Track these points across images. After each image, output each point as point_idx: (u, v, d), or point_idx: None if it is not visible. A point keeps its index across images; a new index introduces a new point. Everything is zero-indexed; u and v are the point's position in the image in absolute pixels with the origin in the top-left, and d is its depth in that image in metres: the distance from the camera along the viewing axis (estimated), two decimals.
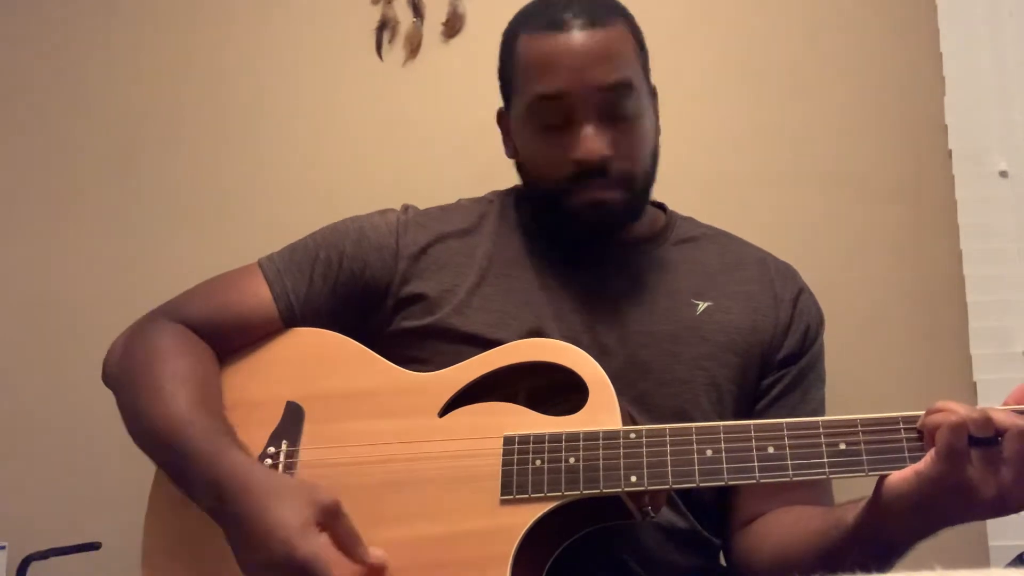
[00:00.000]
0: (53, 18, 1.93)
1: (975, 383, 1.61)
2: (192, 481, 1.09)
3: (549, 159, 1.23)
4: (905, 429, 0.99)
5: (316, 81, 1.86)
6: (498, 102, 1.35)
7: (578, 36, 1.22)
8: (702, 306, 1.27)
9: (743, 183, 1.73)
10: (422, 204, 1.37)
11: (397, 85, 1.83)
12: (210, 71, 1.89)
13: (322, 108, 1.85)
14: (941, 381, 1.63)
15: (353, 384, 1.20)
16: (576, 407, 1.10)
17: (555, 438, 1.07)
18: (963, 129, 1.68)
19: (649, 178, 1.28)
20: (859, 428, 1.00)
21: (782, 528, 1.18)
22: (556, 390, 1.13)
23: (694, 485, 1.02)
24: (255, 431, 1.16)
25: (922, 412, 0.98)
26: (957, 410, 0.94)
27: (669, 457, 1.03)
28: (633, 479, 1.03)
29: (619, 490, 1.04)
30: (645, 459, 1.04)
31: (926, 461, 0.95)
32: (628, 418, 1.11)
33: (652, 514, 1.09)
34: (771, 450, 1.01)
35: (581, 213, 1.23)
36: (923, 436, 0.98)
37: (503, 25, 1.32)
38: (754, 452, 1.01)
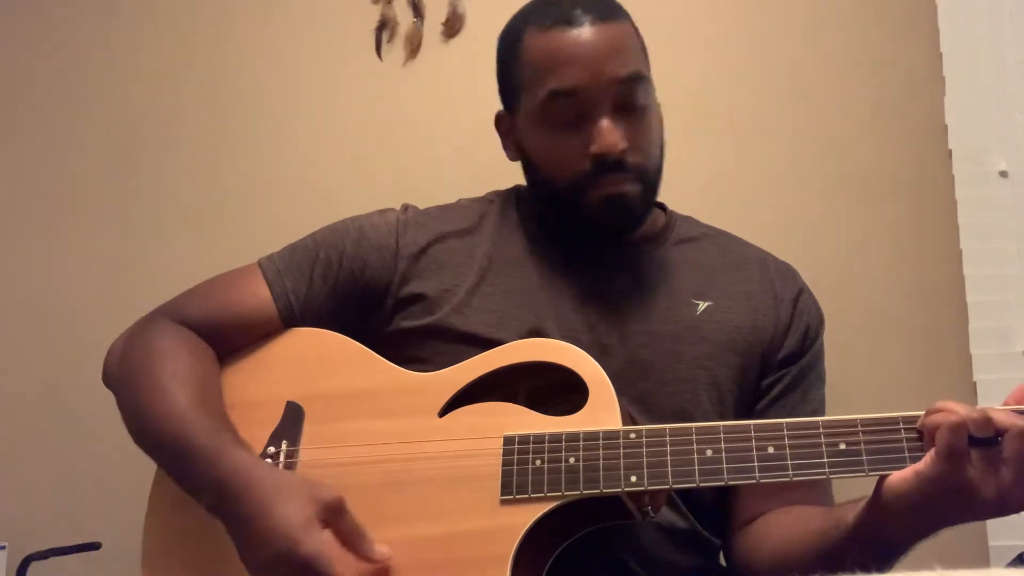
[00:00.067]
0: (53, 18, 1.93)
1: (975, 383, 1.61)
2: (194, 480, 1.09)
3: (564, 156, 1.23)
4: (905, 429, 0.99)
5: (316, 81, 1.86)
6: (499, 102, 1.35)
7: (590, 31, 1.22)
8: (702, 306, 1.27)
9: (743, 183, 1.73)
10: (422, 204, 1.37)
11: (397, 85, 1.83)
12: (210, 71, 1.89)
13: (322, 108, 1.85)
14: (941, 381, 1.63)
15: (353, 384, 1.20)
16: (576, 407, 1.10)
17: (555, 438, 1.07)
18: (963, 129, 1.68)
19: (660, 171, 1.28)
20: (859, 428, 1.00)
21: (782, 528, 1.18)
22: (556, 390, 1.13)
23: (694, 485, 1.02)
24: (255, 431, 1.16)
25: (922, 412, 0.98)
26: (957, 410, 0.94)
27: (669, 457, 1.03)
28: (633, 479, 1.03)
29: (619, 490, 1.04)
30: (645, 459, 1.04)
31: (926, 461, 0.95)
32: (628, 418, 1.11)
33: (652, 514, 1.09)
34: (771, 450, 1.01)
35: (599, 208, 1.22)
36: (923, 436, 0.98)
37: (503, 25, 1.33)
38: (754, 452, 1.01)
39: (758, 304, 1.29)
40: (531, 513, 1.04)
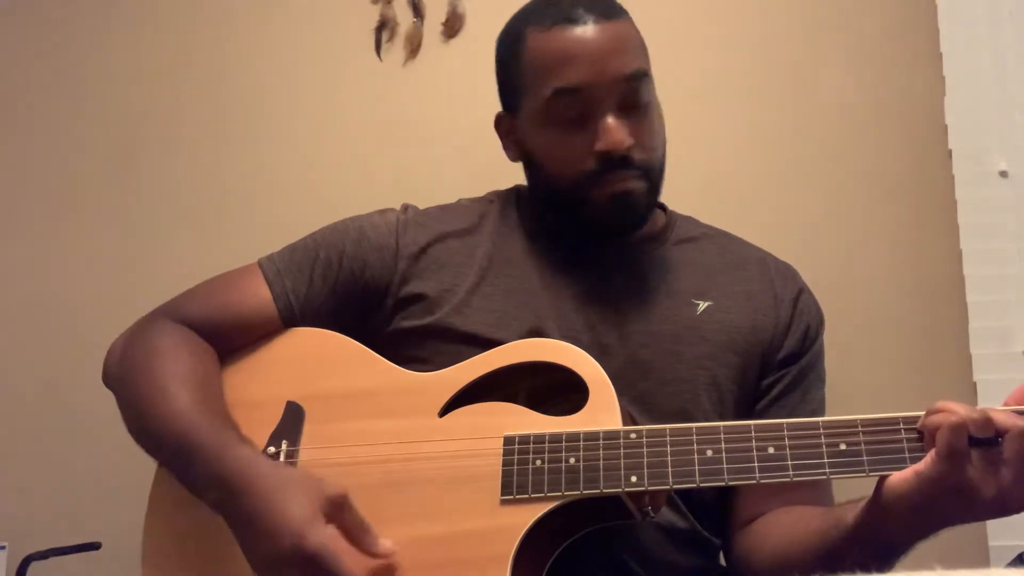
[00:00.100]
0: (53, 18, 1.93)
1: (975, 383, 1.61)
2: (197, 477, 1.09)
3: (570, 154, 1.23)
4: (905, 430, 0.99)
5: (316, 81, 1.86)
6: (499, 102, 1.35)
7: (593, 29, 1.22)
8: (702, 306, 1.27)
9: (743, 183, 1.73)
10: (422, 204, 1.37)
11: (397, 85, 1.83)
12: (210, 71, 1.89)
13: (322, 108, 1.85)
14: (941, 381, 1.63)
15: (353, 384, 1.20)
16: (576, 407, 1.10)
17: (555, 438, 1.07)
18: (963, 129, 1.68)
19: (663, 168, 1.28)
20: (859, 428, 1.00)
21: (782, 528, 1.18)
22: (556, 390, 1.13)
23: (694, 485, 1.02)
24: (255, 431, 1.16)
25: (922, 412, 0.98)
26: (957, 410, 0.94)
27: (669, 457, 1.03)
28: (633, 479, 1.03)
29: (619, 490, 1.04)
30: (645, 459, 1.03)
31: (926, 462, 0.95)
32: (628, 418, 1.11)
33: (652, 514, 1.09)
34: (771, 450, 1.01)
35: (605, 206, 1.22)
36: (923, 437, 0.98)
37: (503, 25, 1.33)
38: (754, 452, 1.01)
39: (758, 304, 1.29)
40: (531, 513, 1.04)
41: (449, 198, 1.40)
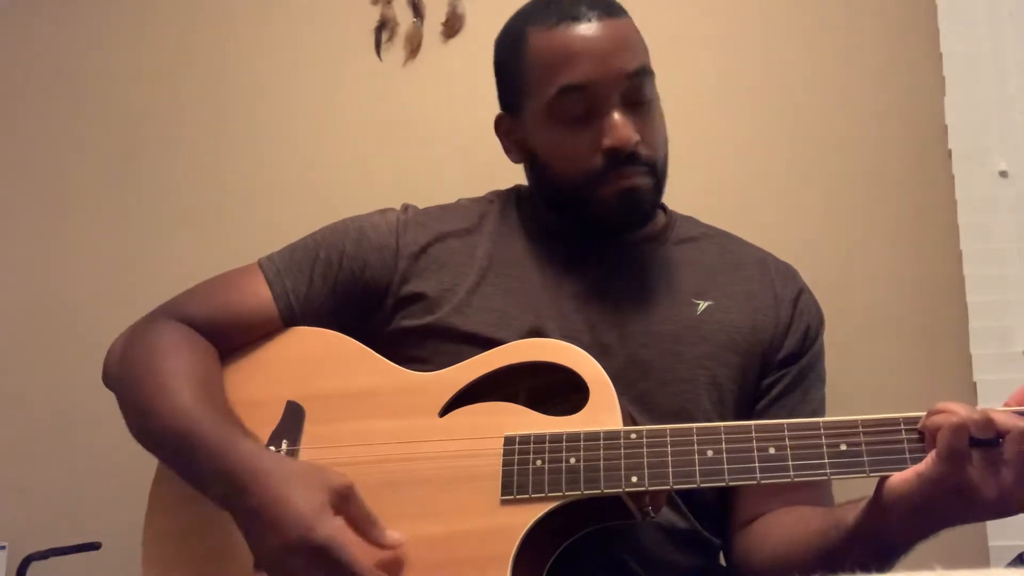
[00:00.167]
0: (53, 18, 1.93)
1: (975, 383, 1.61)
2: (201, 473, 1.09)
3: (576, 152, 1.22)
4: (906, 430, 0.99)
5: (316, 81, 1.86)
6: (498, 103, 1.35)
7: (597, 26, 1.22)
8: (702, 306, 1.27)
9: (743, 183, 1.73)
10: (422, 204, 1.37)
11: (397, 85, 1.83)
12: (210, 71, 1.88)
13: (322, 108, 1.85)
14: (941, 381, 1.63)
15: (353, 384, 1.20)
16: (577, 407, 1.10)
17: (556, 438, 1.07)
18: (963, 129, 1.68)
19: (667, 165, 1.28)
20: (860, 429, 1.00)
21: (782, 528, 1.18)
22: (556, 390, 1.13)
23: (695, 486, 1.02)
24: (255, 430, 1.16)
25: (923, 413, 0.98)
26: (958, 411, 0.94)
27: (670, 457, 1.03)
28: (634, 479, 1.03)
29: (620, 490, 1.04)
30: (646, 459, 1.03)
31: (927, 462, 0.95)
32: (629, 418, 1.11)
33: (652, 514, 1.09)
34: (772, 451, 1.01)
35: (612, 203, 1.23)
36: (924, 437, 0.98)
37: (502, 25, 1.32)
38: (755, 453, 1.01)
39: (758, 304, 1.29)
40: (531, 513, 1.04)
41: (449, 198, 1.40)
